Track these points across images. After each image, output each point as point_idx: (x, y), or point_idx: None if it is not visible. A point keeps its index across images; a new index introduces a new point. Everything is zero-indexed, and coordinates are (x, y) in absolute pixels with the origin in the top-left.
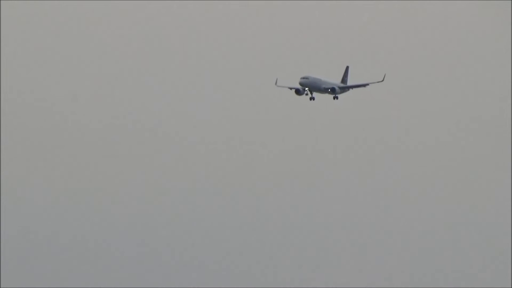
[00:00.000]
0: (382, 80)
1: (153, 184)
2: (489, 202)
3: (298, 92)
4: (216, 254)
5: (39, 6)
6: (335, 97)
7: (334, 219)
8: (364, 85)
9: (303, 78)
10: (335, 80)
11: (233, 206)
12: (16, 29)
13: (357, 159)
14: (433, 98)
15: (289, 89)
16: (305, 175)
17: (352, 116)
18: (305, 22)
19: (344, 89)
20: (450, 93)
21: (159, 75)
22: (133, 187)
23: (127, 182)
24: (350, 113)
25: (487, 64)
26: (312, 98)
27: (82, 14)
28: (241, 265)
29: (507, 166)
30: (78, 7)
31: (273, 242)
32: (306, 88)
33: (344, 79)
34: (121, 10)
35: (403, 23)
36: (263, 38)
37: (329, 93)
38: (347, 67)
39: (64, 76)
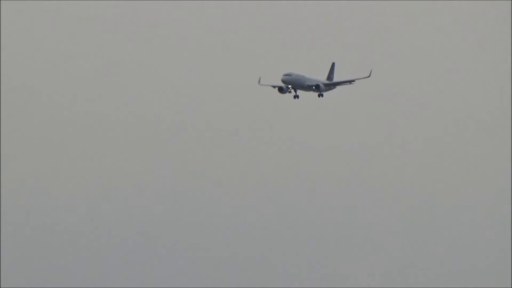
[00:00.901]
0: (369, 76)
1: (137, 180)
2: (487, 200)
3: (281, 90)
4: (199, 256)
5: (39, 6)
6: (320, 95)
7: (321, 218)
8: (350, 82)
9: (286, 75)
10: (321, 77)
11: (215, 205)
12: (16, 29)
13: (344, 158)
14: (426, 96)
15: (272, 88)
16: (291, 175)
17: (338, 114)
18: (289, 18)
19: (330, 86)
20: (449, 94)
21: (138, 76)
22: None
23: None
24: (336, 111)
25: (486, 64)
26: (296, 96)
27: (78, 13)
28: (226, 267)
29: (505, 159)
30: (76, 7)
31: (258, 239)
32: (289, 86)
33: (329, 76)
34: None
35: (396, 19)
36: (247, 35)
37: (314, 90)
38: (333, 64)
39: (63, 75)
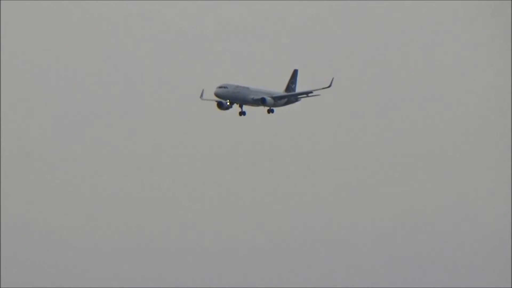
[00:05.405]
0: (329, 86)
1: None
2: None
3: (221, 105)
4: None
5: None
6: (270, 111)
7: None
8: (307, 93)
9: (220, 87)
10: (277, 88)
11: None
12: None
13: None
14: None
15: (215, 103)
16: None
17: (289, 137)
18: (243, 22)
19: (282, 99)
20: (446, 94)
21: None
22: None
23: None
24: (285, 132)
25: (486, 64)
26: (242, 113)
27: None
28: None
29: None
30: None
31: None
32: (227, 101)
33: (290, 86)
34: None
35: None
36: (195, 39)
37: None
38: (295, 71)
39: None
